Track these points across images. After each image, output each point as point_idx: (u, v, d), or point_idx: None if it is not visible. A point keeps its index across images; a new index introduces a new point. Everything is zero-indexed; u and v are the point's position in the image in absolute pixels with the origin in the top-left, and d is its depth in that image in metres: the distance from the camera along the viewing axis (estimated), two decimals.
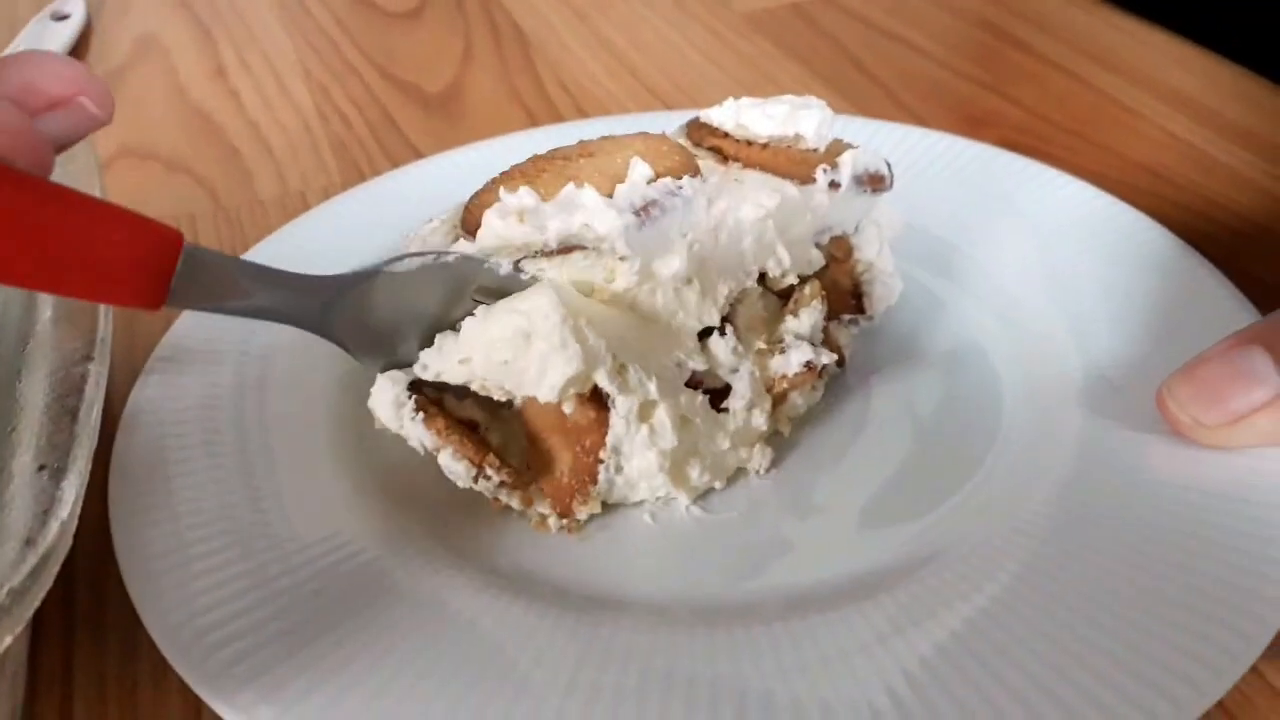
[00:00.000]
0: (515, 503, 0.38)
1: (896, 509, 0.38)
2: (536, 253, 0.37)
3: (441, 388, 0.37)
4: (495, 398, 0.37)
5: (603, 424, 0.37)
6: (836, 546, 0.37)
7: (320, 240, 0.51)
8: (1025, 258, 0.47)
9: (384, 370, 0.37)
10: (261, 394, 0.43)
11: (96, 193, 0.39)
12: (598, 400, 0.37)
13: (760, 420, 0.40)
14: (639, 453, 0.37)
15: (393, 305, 0.37)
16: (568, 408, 0.36)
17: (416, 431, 0.37)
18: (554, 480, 0.38)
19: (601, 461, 0.37)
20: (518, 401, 0.38)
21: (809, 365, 0.40)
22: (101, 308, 0.35)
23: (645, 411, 0.37)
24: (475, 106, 0.70)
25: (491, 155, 0.42)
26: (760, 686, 0.30)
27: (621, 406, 0.36)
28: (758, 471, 0.40)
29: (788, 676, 0.31)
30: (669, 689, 0.31)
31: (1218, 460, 0.35)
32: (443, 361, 0.37)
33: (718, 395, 0.40)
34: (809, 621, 0.33)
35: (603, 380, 0.36)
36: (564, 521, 0.38)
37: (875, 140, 0.52)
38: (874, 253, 0.44)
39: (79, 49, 0.77)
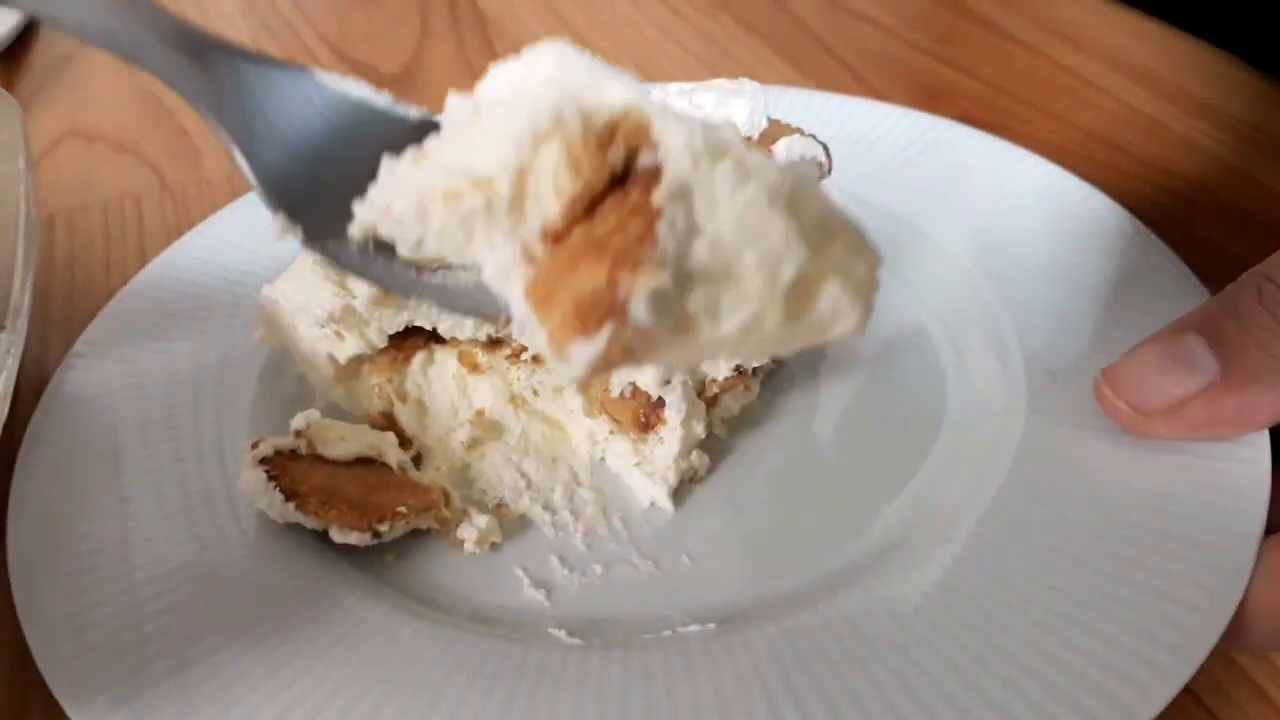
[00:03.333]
0: (432, 523, 0.37)
1: (841, 507, 0.37)
2: None
3: (315, 459, 0.36)
4: (452, 242, 0.25)
5: (650, 185, 0.22)
6: (769, 557, 0.36)
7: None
8: (973, 235, 0.46)
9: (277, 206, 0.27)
10: (170, 407, 0.41)
11: (20, 162, 0.38)
12: (635, 179, 0.23)
13: (699, 429, 0.38)
14: (724, 199, 0.22)
15: (308, 120, 0.28)
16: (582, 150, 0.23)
17: (297, 518, 0.35)
18: (585, 298, 0.22)
19: (660, 213, 0.22)
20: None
21: (738, 370, 0.39)
22: (18, 279, 0.34)
23: (715, 151, 0.22)
24: (431, 86, 0.69)
25: None
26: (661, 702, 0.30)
27: (675, 135, 0.22)
28: (694, 476, 0.39)
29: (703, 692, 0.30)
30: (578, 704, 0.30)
31: (1157, 445, 0.34)
32: (391, 189, 0.25)
33: (652, 409, 0.38)
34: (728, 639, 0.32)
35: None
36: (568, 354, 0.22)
37: (824, 114, 0.52)
38: None
39: (27, 32, 0.75)
